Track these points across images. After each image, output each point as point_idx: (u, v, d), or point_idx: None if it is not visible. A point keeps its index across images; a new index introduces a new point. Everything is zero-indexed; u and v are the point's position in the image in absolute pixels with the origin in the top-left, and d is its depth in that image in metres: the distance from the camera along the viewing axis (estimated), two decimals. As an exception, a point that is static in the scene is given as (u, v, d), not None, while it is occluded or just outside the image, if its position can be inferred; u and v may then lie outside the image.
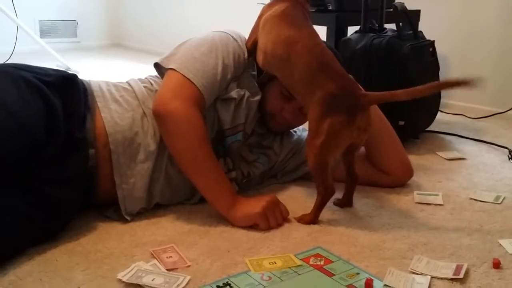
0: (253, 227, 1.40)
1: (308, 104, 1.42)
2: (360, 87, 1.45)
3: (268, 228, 1.40)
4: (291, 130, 1.77)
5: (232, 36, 1.54)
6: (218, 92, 1.49)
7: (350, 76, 1.45)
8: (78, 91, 1.42)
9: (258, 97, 1.57)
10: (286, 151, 1.71)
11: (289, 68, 1.44)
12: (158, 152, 1.45)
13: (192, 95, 1.42)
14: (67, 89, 1.39)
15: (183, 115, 1.39)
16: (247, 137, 1.61)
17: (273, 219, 1.41)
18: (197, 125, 1.40)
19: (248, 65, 1.56)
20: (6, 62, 2.39)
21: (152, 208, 1.50)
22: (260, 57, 1.51)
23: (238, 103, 1.53)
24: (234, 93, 1.52)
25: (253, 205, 1.41)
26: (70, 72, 1.48)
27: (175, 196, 1.53)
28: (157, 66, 1.55)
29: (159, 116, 1.41)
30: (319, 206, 1.44)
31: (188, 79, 1.43)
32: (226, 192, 1.43)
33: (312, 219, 1.44)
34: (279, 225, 1.42)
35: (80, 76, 1.49)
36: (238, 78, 1.54)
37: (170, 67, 1.47)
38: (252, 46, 1.54)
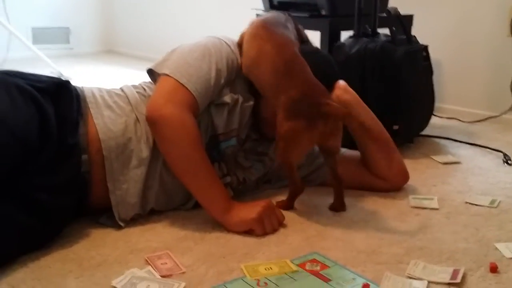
0: (248, 232, 1.39)
1: (276, 108, 1.44)
2: (329, 96, 1.46)
3: (264, 233, 1.39)
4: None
5: (225, 42, 1.54)
6: (211, 97, 1.48)
7: (319, 84, 1.44)
8: (70, 97, 1.41)
9: (251, 102, 1.56)
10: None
11: (259, 70, 1.48)
12: (151, 157, 1.44)
13: (185, 100, 1.41)
14: (59, 96, 1.38)
15: (177, 120, 1.38)
16: (242, 143, 1.60)
17: (268, 224, 1.40)
18: (190, 130, 1.39)
19: (241, 71, 1.55)
20: (-2, 69, 2.37)
21: (147, 214, 1.49)
22: (242, 62, 1.54)
23: (231, 108, 1.52)
24: (227, 98, 1.51)
25: (249, 211, 1.40)
26: (63, 78, 1.47)
27: (170, 202, 1.52)
28: (150, 72, 1.54)
29: (152, 121, 1.40)
30: (290, 198, 1.54)
31: (182, 84, 1.42)
32: (220, 197, 1.42)
33: (287, 205, 1.53)
34: (274, 230, 1.41)
35: (73, 83, 1.48)
36: (232, 83, 1.53)
37: (163, 72, 1.46)
38: None
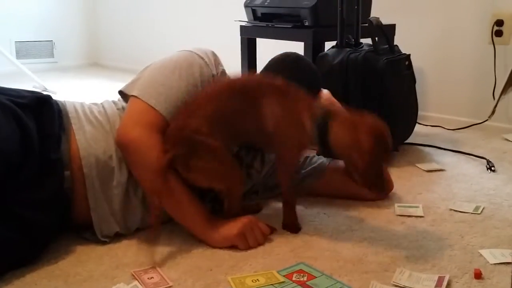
0: (233, 246, 1.38)
1: None
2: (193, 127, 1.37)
3: (248, 248, 1.38)
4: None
5: (198, 54, 1.50)
6: None
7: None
8: (52, 113, 1.40)
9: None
10: (267, 168, 1.70)
11: None
12: (133, 176, 1.43)
13: (154, 122, 1.40)
14: (41, 111, 1.37)
15: (145, 144, 1.37)
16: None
17: (252, 238, 1.39)
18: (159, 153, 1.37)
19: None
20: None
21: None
22: None
23: None
24: None
25: (230, 227, 1.39)
26: (45, 93, 1.46)
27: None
28: (122, 92, 1.53)
29: (121, 146, 1.39)
30: None
31: (150, 106, 1.40)
32: (199, 216, 1.41)
33: None
34: (259, 244, 1.40)
35: (56, 97, 1.48)
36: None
37: (132, 94, 1.45)
38: None
